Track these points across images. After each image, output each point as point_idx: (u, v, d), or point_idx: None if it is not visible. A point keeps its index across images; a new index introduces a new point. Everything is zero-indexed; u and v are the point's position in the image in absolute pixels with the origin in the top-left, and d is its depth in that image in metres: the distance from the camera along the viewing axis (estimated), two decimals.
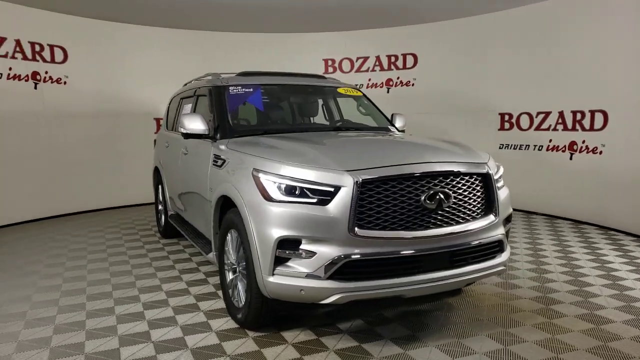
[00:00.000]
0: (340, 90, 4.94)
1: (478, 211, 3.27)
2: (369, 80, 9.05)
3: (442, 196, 3.07)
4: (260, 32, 8.96)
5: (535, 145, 7.50)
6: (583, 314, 3.71)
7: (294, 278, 2.97)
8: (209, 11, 7.42)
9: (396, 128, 4.77)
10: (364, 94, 5.05)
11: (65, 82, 7.55)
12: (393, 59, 8.90)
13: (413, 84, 8.80)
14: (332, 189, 2.94)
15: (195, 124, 4.07)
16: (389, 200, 2.99)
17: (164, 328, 3.53)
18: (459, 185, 3.18)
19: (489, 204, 3.34)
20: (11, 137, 6.98)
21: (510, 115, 7.80)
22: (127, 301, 4.08)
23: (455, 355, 3.12)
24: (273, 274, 3.00)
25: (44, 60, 7.31)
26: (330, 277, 2.92)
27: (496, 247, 3.39)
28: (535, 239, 6.04)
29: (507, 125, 7.89)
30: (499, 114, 7.93)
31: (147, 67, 8.32)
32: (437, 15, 8.11)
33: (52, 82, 7.40)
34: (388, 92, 8.95)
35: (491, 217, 3.32)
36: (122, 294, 4.24)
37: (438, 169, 3.13)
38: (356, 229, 2.91)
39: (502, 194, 3.51)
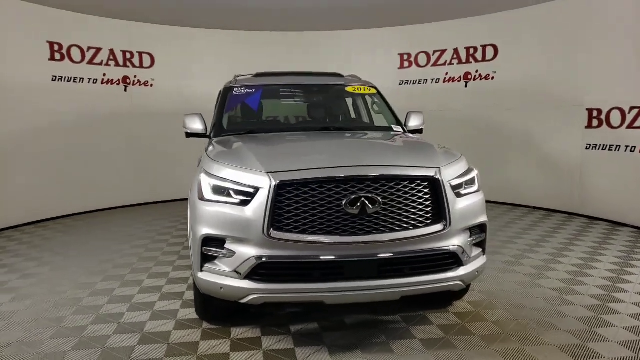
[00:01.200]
0: (349, 89, 4.85)
1: (421, 219, 3.03)
2: (446, 74, 8.61)
3: (366, 202, 2.91)
4: (332, 30, 9.02)
5: (627, 146, 6.52)
6: None
7: (217, 276, 3.06)
8: (277, 13, 7.72)
9: (403, 128, 4.53)
10: (378, 92, 4.88)
11: (151, 85, 8.40)
12: (472, 50, 8.35)
13: (493, 77, 8.17)
14: (252, 190, 2.97)
15: (194, 123, 4.33)
16: (308, 203, 2.93)
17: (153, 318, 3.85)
18: (392, 191, 2.98)
19: (438, 212, 3.08)
20: (104, 133, 7.99)
21: (600, 111, 6.86)
22: None
23: None
24: (202, 270, 3.12)
25: (134, 66, 8.23)
26: (246, 277, 2.96)
27: (448, 259, 3.11)
28: (601, 253, 5.28)
29: (595, 122, 6.95)
30: (587, 109, 7.02)
31: (220, 67, 8.88)
32: (517, 2, 7.46)
33: (140, 85, 8.29)
34: (466, 86, 8.44)
35: (438, 227, 3.05)
36: None
37: (364, 173, 2.97)
38: (272, 231, 2.90)
39: (464, 201, 3.20)
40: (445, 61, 8.63)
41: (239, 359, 3.11)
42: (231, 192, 3.04)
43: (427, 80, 8.83)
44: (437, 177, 3.06)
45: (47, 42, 7.21)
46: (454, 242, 3.12)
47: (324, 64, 9.24)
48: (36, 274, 4.86)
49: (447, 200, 3.07)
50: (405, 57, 8.97)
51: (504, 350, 3.15)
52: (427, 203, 3.06)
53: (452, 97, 8.57)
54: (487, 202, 3.52)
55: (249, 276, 2.96)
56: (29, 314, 3.86)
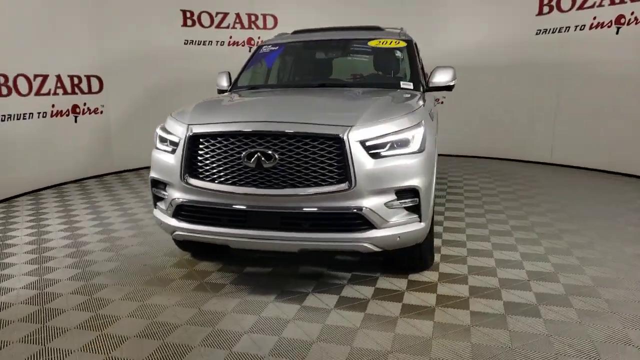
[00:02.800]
0: (372, 43, 4.72)
1: (325, 177, 3.04)
2: (594, 18, 7.36)
3: (261, 156, 3.05)
4: None
5: None
6: None
7: (160, 213, 3.57)
8: None
9: (421, 85, 4.28)
10: (409, 47, 4.62)
11: None
12: None
13: None
14: (177, 140, 3.35)
15: (221, 80, 4.83)
16: (216, 155, 3.19)
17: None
18: (292, 147, 3.05)
19: (344, 172, 3.04)
20: None
21: None
22: None
23: None
24: (155, 208, 3.67)
25: (257, 28, 9.00)
26: (173, 216, 3.40)
27: (354, 220, 3.07)
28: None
29: None
30: None
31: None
32: None
33: None
34: (617, 32, 7.11)
35: (342, 186, 3.03)
36: None
37: (265, 129, 3.09)
38: (188, 178, 3.27)
39: (383, 162, 3.07)
40: (594, 2, 7.34)
41: (183, 284, 3.59)
42: (167, 142, 3.46)
43: (569, 27, 7.69)
44: (341, 136, 2.99)
45: (180, 10, 8.37)
46: (363, 204, 3.04)
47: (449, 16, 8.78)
48: None
49: (351, 160, 3.00)
50: (546, 0, 7.91)
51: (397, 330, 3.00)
52: (331, 162, 3.03)
53: (596, 47, 7.35)
54: None
55: (174, 215, 3.39)
56: None
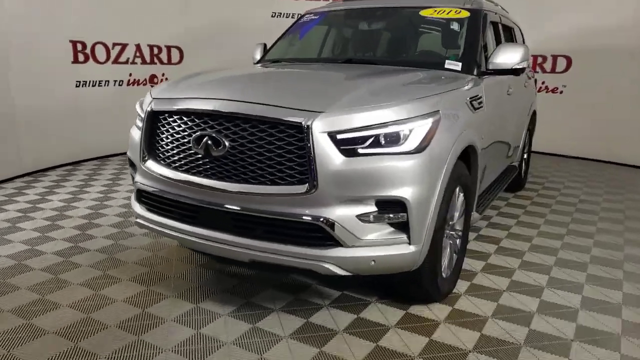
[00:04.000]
0: (425, 12, 3.86)
1: (283, 174, 2.42)
2: None
3: (209, 142, 2.51)
4: None
5: None
6: None
7: (132, 197, 3.22)
8: None
9: (478, 67, 3.39)
10: (474, 18, 3.68)
11: None
12: None
13: None
14: (144, 115, 2.95)
15: (255, 53, 4.35)
16: (172, 135, 2.73)
17: None
18: (246, 134, 2.46)
19: (305, 170, 2.39)
20: None
21: None
22: None
23: None
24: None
25: None
26: (137, 201, 3.02)
27: (315, 233, 2.42)
28: None
29: None
30: None
31: None
32: None
33: None
34: None
35: (299, 188, 2.38)
36: None
37: (218, 109, 2.53)
38: (146, 160, 2.85)
39: (361, 162, 2.36)
40: None
41: (151, 277, 3.23)
42: (139, 117, 3.06)
43: None
44: (303, 124, 2.33)
45: None
46: (326, 213, 2.36)
47: None
48: None
49: (314, 156, 2.32)
50: None
51: None
52: (291, 156, 2.38)
53: None
54: None
55: (138, 201, 3.00)
56: None
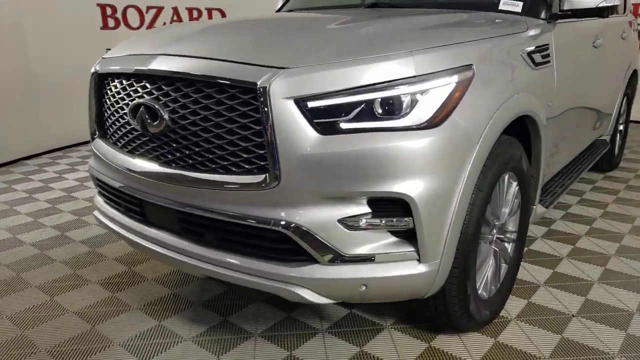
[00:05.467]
0: None
1: (238, 159, 1.72)
2: None
3: (144, 113, 1.85)
4: None
5: None
6: None
7: None
8: None
9: (549, 8, 2.47)
10: None
11: None
12: None
13: None
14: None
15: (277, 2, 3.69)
16: (112, 105, 2.10)
17: None
18: (190, 101, 1.77)
19: (265, 154, 1.67)
20: None
21: None
22: None
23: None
24: None
25: None
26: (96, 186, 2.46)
27: (281, 243, 1.71)
28: None
29: None
30: None
31: None
32: None
33: None
34: None
35: (256, 178, 1.68)
36: None
37: (152, 68, 1.86)
38: (96, 136, 2.27)
39: (342, 143, 1.60)
40: None
41: (120, 285, 2.70)
42: None
43: None
44: (258, 85, 1.60)
45: None
46: (294, 216, 1.64)
47: None
48: None
49: (273, 131, 1.60)
50: None
51: None
52: (245, 132, 1.67)
53: None
54: None
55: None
56: None
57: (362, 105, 1.59)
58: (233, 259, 1.77)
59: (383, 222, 1.65)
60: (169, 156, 1.84)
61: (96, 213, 2.35)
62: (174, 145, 1.80)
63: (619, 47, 3.71)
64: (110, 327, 2.23)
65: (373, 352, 2.04)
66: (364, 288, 1.68)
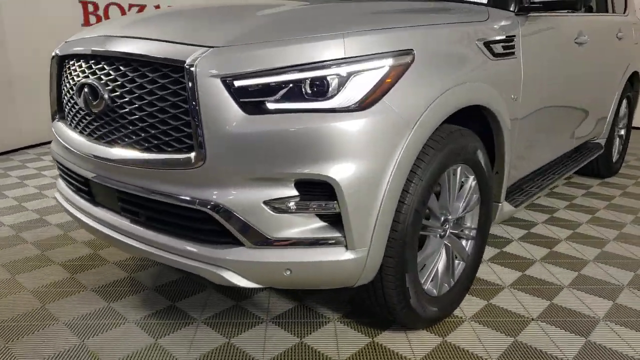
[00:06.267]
0: None
1: (169, 138, 1.71)
2: None
3: (86, 91, 1.86)
4: None
5: None
6: None
7: None
8: None
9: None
10: None
11: None
12: None
13: None
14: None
15: None
16: (66, 86, 2.13)
17: None
18: (126, 80, 1.77)
19: (191, 132, 1.66)
20: None
21: None
22: None
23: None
24: None
25: None
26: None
27: (205, 224, 1.69)
28: None
29: None
30: None
31: None
32: None
33: None
34: None
35: (185, 156, 1.67)
36: None
37: (94, 47, 1.88)
38: (56, 118, 2.29)
39: (268, 123, 1.57)
40: None
41: (81, 267, 2.71)
42: None
43: None
44: (186, 63, 1.59)
45: None
46: (218, 196, 1.62)
47: None
48: None
49: (199, 110, 1.58)
50: None
51: None
52: (176, 112, 1.66)
53: None
54: None
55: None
56: None
57: (289, 86, 1.56)
58: (164, 240, 1.76)
59: (310, 205, 1.61)
60: (110, 135, 1.84)
61: (57, 195, 2.37)
62: (113, 124, 1.81)
63: (614, 47, 3.59)
64: (60, 306, 2.24)
65: (312, 343, 2.00)
66: (288, 273, 1.64)
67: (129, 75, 1.73)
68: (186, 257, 1.71)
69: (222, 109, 1.55)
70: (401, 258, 1.78)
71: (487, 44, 2.08)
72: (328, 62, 1.56)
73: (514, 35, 2.27)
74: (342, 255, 1.63)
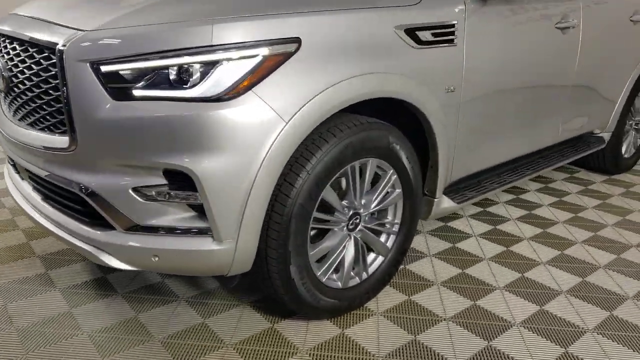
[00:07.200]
0: None
1: (53, 121, 1.78)
2: None
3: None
4: None
5: None
6: None
7: None
8: None
9: None
10: None
11: None
12: None
13: None
14: None
15: None
16: None
17: None
18: (20, 60, 1.85)
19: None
20: None
21: None
22: None
23: None
24: None
25: None
26: None
27: (80, 205, 1.76)
28: None
29: None
30: None
31: None
32: None
33: None
34: None
35: (59, 140, 1.73)
36: None
37: (7, 28, 1.95)
38: None
39: (133, 109, 1.59)
40: None
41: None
42: None
43: None
44: (58, 46, 1.62)
45: None
46: (89, 180, 1.68)
47: None
48: None
49: (68, 94, 1.63)
50: None
51: None
52: (57, 94, 1.71)
53: None
54: None
55: None
56: None
57: (154, 72, 1.56)
58: (62, 220, 1.83)
59: (176, 195, 1.62)
60: (16, 115, 1.92)
61: (5, 171, 2.49)
62: (14, 104, 1.88)
63: (625, 31, 3.27)
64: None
65: (213, 325, 2.04)
66: (156, 259, 1.67)
67: (21, 56, 1.78)
68: (77, 238, 1.78)
69: (91, 94, 1.58)
70: (284, 249, 1.77)
71: (411, 31, 1.96)
72: (193, 50, 1.54)
73: (455, 22, 2.12)
74: (209, 245, 1.64)
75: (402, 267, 2.51)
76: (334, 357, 1.88)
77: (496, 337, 2.01)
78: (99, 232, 1.71)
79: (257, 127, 1.58)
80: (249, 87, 1.57)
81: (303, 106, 1.65)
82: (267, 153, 1.61)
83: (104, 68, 1.57)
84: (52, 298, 2.18)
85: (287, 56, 1.63)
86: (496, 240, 2.81)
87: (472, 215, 3.12)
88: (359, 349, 1.92)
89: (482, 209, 3.22)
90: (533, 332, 2.05)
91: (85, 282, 2.31)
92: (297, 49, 1.64)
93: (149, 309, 2.13)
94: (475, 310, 2.18)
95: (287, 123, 1.62)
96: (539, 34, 2.60)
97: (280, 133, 1.61)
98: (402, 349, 1.93)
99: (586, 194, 3.55)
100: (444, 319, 2.11)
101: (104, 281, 2.32)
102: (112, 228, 1.69)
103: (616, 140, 3.73)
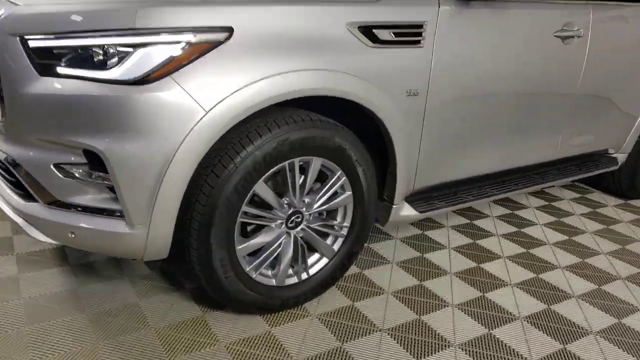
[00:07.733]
0: None
1: None
2: None
3: None
4: None
5: None
6: None
7: None
8: None
9: None
10: None
11: None
12: None
13: None
14: None
15: None
16: None
17: None
18: None
19: None
20: None
21: None
22: None
23: None
24: None
25: None
26: None
27: (8, 175, 1.83)
28: None
29: None
30: None
31: None
32: None
33: None
34: None
35: None
36: None
37: None
38: None
39: (55, 86, 1.61)
40: None
41: None
42: None
43: None
44: None
45: None
46: (14, 151, 1.74)
47: None
48: None
49: None
50: None
51: None
52: None
53: None
54: None
55: None
56: None
57: (78, 51, 1.56)
58: (5, 194, 1.88)
59: (94, 175, 1.63)
60: None
61: None
62: None
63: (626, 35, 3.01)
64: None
65: (145, 307, 2.05)
66: (72, 235, 1.69)
67: None
68: (9, 208, 1.83)
69: (19, 68, 1.60)
70: (205, 241, 1.74)
71: (367, 29, 1.88)
72: (114, 32, 1.53)
73: (424, 23, 2.02)
74: (121, 228, 1.65)
75: (358, 272, 2.43)
76: (251, 353, 1.84)
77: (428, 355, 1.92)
78: (23, 203, 1.75)
79: (173, 115, 1.56)
80: (168, 73, 1.54)
81: (227, 97, 1.61)
82: (182, 141, 1.58)
83: (32, 44, 1.59)
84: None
85: (215, 45, 1.59)
86: (469, 255, 2.68)
87: (454, 227, 2.99)
88: (280, 349, 1.88)
89: (469, 221, 3.08)
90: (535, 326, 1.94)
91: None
92: (228, 39, 1.60)
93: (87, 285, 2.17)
94: (417, 325, 2.09)
95: (207, 112, 1.59)
96: (531, 42, 2.43)
97: (198, 122, 1.59)
98: (323, 356, 1.87)
99: (590, 217, 3.32)
100: (379, 330, 2.03)
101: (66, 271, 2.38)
102: (30, 198, 1.72)
103: (634, 163, 3.47)
